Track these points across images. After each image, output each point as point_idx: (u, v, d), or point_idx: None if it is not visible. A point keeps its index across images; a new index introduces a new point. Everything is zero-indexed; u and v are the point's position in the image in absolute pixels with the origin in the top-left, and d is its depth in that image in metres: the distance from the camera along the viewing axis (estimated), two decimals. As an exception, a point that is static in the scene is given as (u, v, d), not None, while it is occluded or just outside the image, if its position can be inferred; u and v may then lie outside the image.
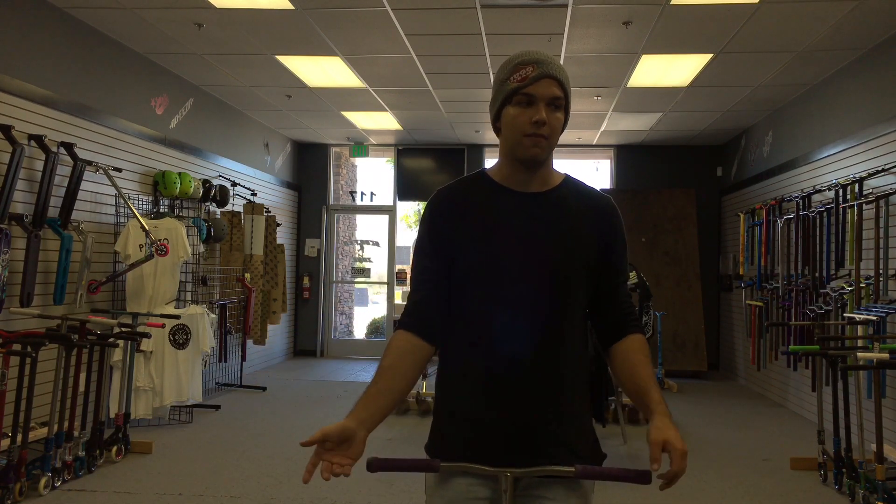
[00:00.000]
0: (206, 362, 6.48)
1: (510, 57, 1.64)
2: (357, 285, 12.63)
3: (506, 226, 1.64)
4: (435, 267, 1.67)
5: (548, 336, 1.61)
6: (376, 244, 11.71)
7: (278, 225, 8.72)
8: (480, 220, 1.65)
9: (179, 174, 6.50)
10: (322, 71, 6.67)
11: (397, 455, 5.03)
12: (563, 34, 5.53)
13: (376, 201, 10.82)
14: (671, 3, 4.86)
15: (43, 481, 4.16)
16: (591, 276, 1.67)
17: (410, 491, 4.38)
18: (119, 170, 5.74)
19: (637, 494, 4.41)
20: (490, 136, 9.55)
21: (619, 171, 9.98)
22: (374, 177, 13.00)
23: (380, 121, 8.78)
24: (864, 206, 5.40)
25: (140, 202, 6.07)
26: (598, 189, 1.75)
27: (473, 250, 1.63)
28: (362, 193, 10.97)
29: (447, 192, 1.73)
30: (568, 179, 1.73)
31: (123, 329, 4.99)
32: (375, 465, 1.53)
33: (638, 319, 1.73)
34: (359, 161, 11.95)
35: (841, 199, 5.80)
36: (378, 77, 6.85)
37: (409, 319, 1.65)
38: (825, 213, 6.00)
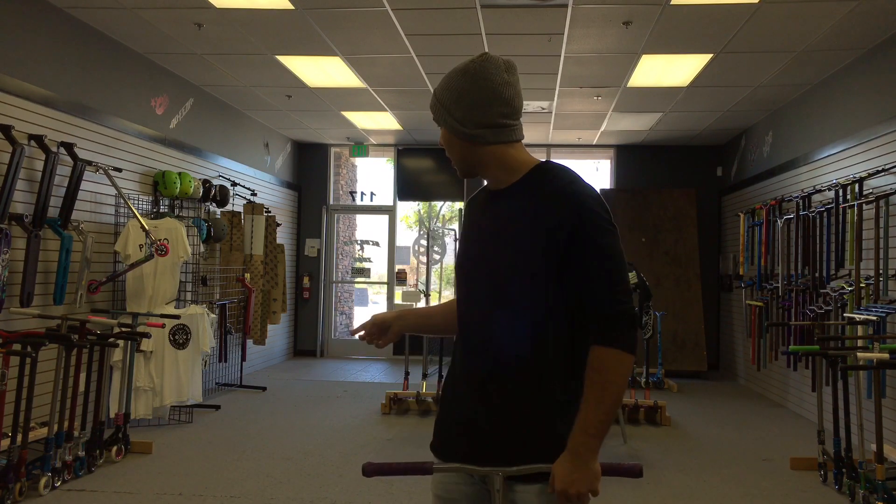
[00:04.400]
0: (206, 362, 6.48)
1: None
2: (357, 285, 12.62)
3: (474, 227, 1.73)
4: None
5: (511, 334, 1.60)
6: (376, 244, 11.70)
7: (278, 225, 8.72)
8: (468, 223, 1.77)
9: (179, 174, 6.50)
10: (322, 71, 6.67)
11: (396, 455, 5.04)
12: (563, 34, 5.53)
13: (376, 201, 10.82)
14: (671, 3, 4.86)
15: (43, 481, 4.16)
16: (549, 270, 1.56)
17: (410, 491, 4.38)
18: (119, 170, 5.74)
19: (637, 494, 4.41)
20: (490, 136, 9.52)
21: (619, 171, 9.98)
22: (374, 177, 13.02)
23: (380, 121, 8.78)
24: (864, 206, 5.40)
25: (140, 202, 6.08)
26: (570, 178, 1.61)
27: (458, 253, 1.79)
28: (362, 193, 10.97)
29: (469, 199, 1.85)
30: (535, 170, 1.64)
31: (123, 329, 4.99)
32: (371, 471, 1.56)
33: (609, 323, 1.53)
34: (359, 161, 11.95)
35: (841, 199, 5.80)
36: (378, 77, 6.85)
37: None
38: (825, 213, 6.00)
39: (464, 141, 1.64)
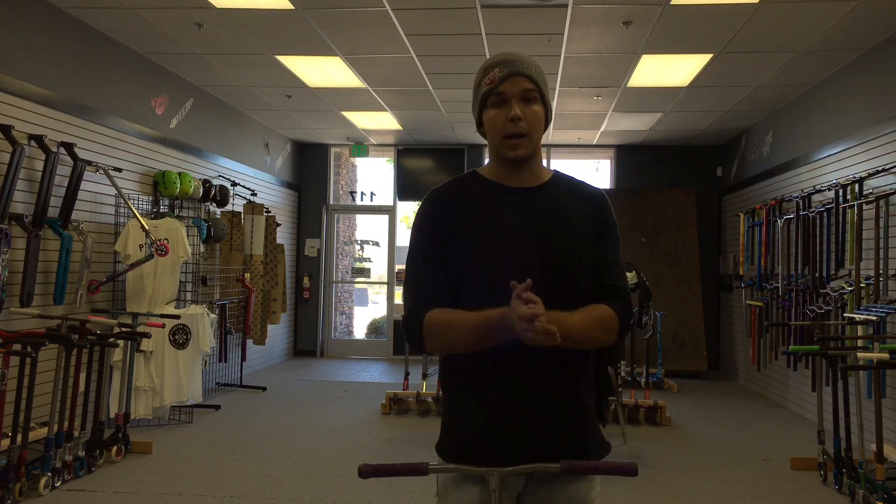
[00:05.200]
0: (206, 362, 6.48)
1: (483, 62, 1.69)
2: (357, 285, 12.63)
3: (501, 221, 1.64)
4: (436, 259, 1.64)
5: None
6: (376, 244, 11.70)
7: (278, 225, 8.72)
8: (476, 217, 1.65)
9: (179, 174, 6.50)
10: (322, 71, 6.67)
11: (396, 455, 5.04)
12: (563, 34, 5.53)
13: (376, 201, 10.82)
14: (671, 3, 4.86)
15: (43, 481, 4.16)
16: (588, 266, 1.67)
17: (410, 491, 4.38)
18: (119, 170, 5.74)
19: (637, 494, 4.41)
20: (490, 136, 9.52)
21: (619, 171, 9.98)
22: (374, 177, 13.01)
23: (380, 121, 8.78)
24: (864, 206, 5.40)
25: (140, 202, 6.08)
26: (589, 183, 1.78)
27: (471, 248, 1.62)
28: (362, 193, 10.97)
29: (441, 191, 1.71)
30: (557, 175, 1.75)
31: (123, 329, 5.00)
32: (367, 472, 1.56)
33: (625, 306, 1.67)
34: (359, 161, 11.95)
35: (841, 199, 5.80)
36: (378, 77, 6.85)
37: (426, 301, 1.62)
38: (825, 213, 6.00)
39: (546, 123, 1.69)
